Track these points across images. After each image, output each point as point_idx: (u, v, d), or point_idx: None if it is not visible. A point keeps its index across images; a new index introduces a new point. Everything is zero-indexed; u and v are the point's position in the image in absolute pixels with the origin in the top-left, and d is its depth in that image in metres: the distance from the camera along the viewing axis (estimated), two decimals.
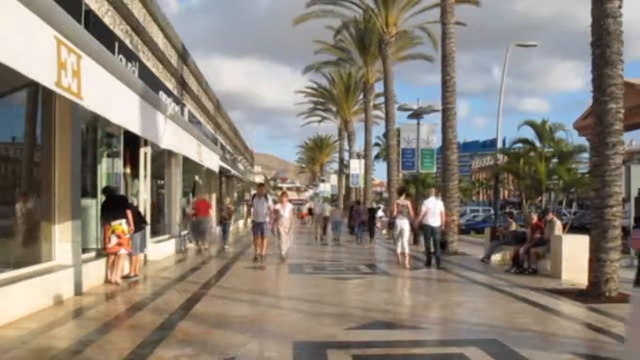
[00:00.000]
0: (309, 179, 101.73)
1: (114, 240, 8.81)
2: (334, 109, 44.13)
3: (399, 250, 12.22)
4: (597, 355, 5.02)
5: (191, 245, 16.08)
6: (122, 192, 10.71)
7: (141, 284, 9.27)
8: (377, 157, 50.55)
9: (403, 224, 12.24)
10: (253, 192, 12.90)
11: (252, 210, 13.66)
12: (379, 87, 31.66)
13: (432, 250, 12.29)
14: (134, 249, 9.54)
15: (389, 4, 23.97)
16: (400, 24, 24.73)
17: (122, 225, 8.88)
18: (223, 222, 17.48)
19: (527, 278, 10.32)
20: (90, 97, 6.18)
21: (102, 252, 9.20)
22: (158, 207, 14.69)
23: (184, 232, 16.09)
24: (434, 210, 12.30)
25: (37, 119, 7.83)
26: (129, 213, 9.02)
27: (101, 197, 9.46)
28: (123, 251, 8.95)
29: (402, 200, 12.67)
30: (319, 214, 22.65)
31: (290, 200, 15.03)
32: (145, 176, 12.38)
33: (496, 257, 13.13)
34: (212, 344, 5.26)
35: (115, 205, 9.05)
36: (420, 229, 12.76)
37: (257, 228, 13.29)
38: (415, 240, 19.45)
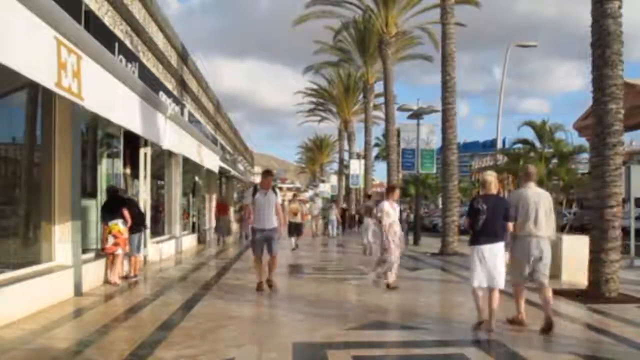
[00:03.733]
0: (309, 180, 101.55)
1: (110, 240, 8.84)
2: (333, 109, 44.09)
3: (364, 241, 15.29)
4: (597, 356, 5.01)
5: (214, 237, 20.17)
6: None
7: (141, 285, 9.27)
8: (377, 157, 50.50)
9: (368, 221, 15.17)
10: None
11: (252, 213, 8.52)
12: (379, 88, 31.70)
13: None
14: (132, 249, 9.55)
15: (389, 4, 23.97)
16: (401, 24, 24.73)
17: (118, 225, 8.90)
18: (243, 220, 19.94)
19: None
20: (91, 98, 6.20)
21: (100, 253, 9.21)
22: (158, 208, 14.71)
23: (207, 227, 20.75)
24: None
25: (37, 120, 7.82)
26: (126, 212, 9.03)
27: (104, 196, 9.49)
28: (120, 251, 8.96)
29: (369, 202, 17.03)
30: (315, 214, 26.32)
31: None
32: (145, 177, 12.38)
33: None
34: (212, 344, 5.25)
35: (114, 205, 9.07)
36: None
37: (262, 240, 8.40)
38: (415, 241, 19.58)
